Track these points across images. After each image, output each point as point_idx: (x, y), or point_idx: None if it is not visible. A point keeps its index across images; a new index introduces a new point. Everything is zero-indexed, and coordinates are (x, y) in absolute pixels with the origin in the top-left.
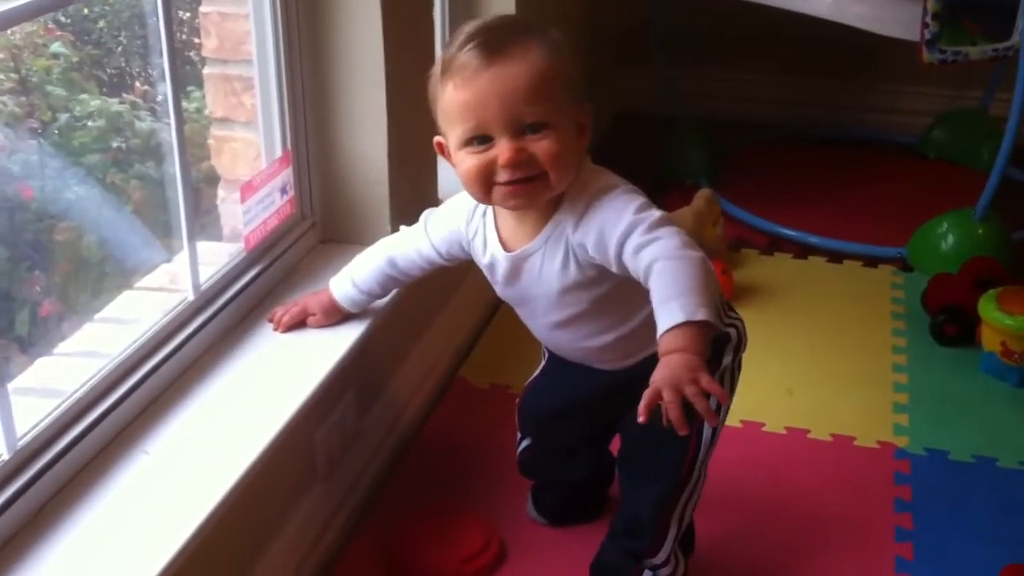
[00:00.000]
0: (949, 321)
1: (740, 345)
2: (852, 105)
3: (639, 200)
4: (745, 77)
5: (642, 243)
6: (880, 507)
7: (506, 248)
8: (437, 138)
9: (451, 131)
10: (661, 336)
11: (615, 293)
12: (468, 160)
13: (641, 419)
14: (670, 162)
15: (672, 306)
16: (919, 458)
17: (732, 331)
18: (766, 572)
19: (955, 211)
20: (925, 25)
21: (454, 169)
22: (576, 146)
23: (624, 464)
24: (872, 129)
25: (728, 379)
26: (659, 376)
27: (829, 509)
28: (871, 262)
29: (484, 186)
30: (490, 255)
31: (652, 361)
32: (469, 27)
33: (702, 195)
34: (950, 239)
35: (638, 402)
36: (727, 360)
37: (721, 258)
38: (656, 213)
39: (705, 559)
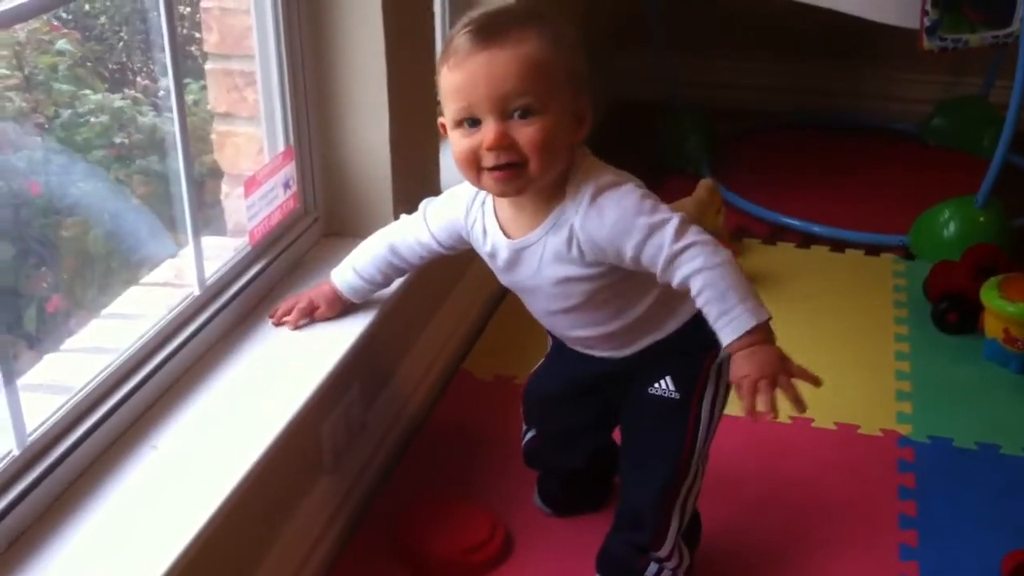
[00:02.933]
0: (951, 309)
1: None
2: (851, 92)
3: (648, 200)
4: (744, 64)
5: (674, 253)
6: (884, 495)
7: (507, 235)
8: (440, 118)
9: (447, 111)
10: (733, 341)
11: (614, 287)
12: (459, 142)
13: (755, 415)
14: (669, 149)
15: (735, 314)
16: (923, 446)
17: None
18: (770, 561)
19: (956, 198)
20: (925, 12)
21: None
22: (569, 136)
23: (624, 456)
24: (872, 116)
25: (727, 369)
26: (748, 368)
27: (833, 497)
28: (873, 250)
29: (473, 169)
30: (491, 243)
31: (650, 351)
32: (472, 12)
33: (704, 185)
34: (952, 227)
35: (636, 392)
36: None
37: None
38: (668, 216)
39: (709, 547)
